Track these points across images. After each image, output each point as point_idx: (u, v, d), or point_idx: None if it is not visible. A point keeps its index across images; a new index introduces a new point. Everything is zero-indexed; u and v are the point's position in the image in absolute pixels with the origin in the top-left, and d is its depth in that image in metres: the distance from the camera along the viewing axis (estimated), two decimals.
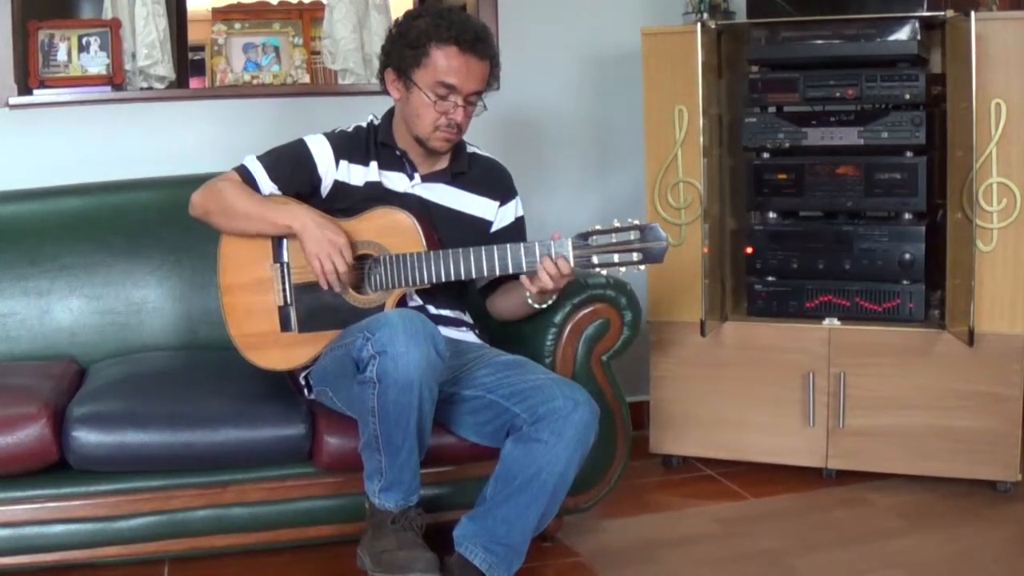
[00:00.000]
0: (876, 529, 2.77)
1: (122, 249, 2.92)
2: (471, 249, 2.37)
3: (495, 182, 2.63)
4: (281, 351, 2.47)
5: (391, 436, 2.22)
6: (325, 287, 2.40)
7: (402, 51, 2.45)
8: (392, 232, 2.43)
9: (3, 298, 2.84)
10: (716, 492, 3.08)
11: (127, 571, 2.50)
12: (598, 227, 2.32)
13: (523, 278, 2.37)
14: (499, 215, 2.63)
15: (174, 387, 2.55)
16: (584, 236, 2.32)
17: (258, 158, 2.50)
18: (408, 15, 2.51)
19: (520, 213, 2.67)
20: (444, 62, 2.41)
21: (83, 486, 2.40)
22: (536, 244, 2.34)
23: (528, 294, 2.42)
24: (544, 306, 2.47)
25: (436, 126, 2.45)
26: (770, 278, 3.13)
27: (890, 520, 2.84)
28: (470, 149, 2.63)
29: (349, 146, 2.53)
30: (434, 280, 2.38)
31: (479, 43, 2.42)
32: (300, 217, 2.39)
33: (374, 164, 2.53)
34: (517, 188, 2.68)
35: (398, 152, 2.54)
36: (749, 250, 3.14)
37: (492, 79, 2.49)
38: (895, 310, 3.02)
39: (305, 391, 2.55)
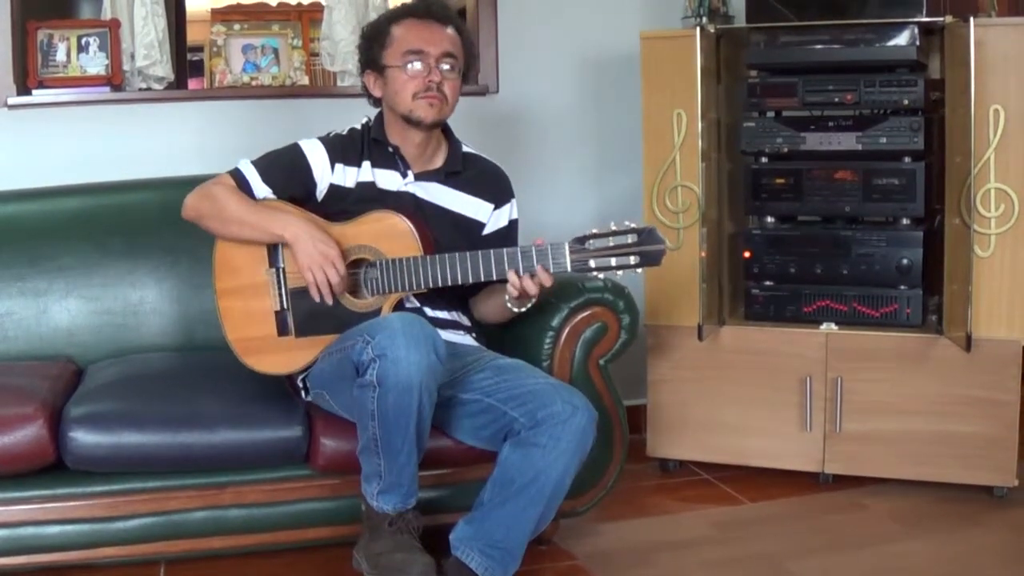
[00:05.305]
0: (873, 534, 2.78)
1: (120, 250, 2.91)
2: (467, 254, 2.36)
3: (491, 184, 2.62)
4: (279, 355, 2.47)
5: (390, 440, 2.22)
6: (317, 299, 2.39)
7: (369, 45, 2.53)
8: (388, 236, 2.42)
9: (1, 298, 2.83)
10: (713, 496, 3.08)
11: (123, 572, 2.50)
12: (595, 231, 2.30)
13: (511, 279, 2.34)
14: (493, 218, 2.61)
15: (171, 388, 2.55)
16: (581, 240, 2.30)
17: (252, 162, 2.49)
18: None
19: (515, 216, 2.65)
20: (404, 33, 2.48)
21: (80, 487, 2.40)
22: (533, 249, 2.33)
23: (507, 297, 2.42)
24: (522, 310, 2.46)
25: (415, 93, 2.45)
26: (768, 282, 3.13)
27: (887, 525, 2.84)
28: (466, 149, 2.62)
29: (344, 148, 2.52)
30: (430, 285, 2.38)
31: (434, 9, 2.50)
32: (292, 227, 2.39)
33: (367, 164, 2.52)
34: (515, 191, 2.66)
35: (390, 148, 2.53)
36: (747, 254, 3.14)
37: (466, 49, 2.52)
38: (892, 315, 3.03)
39: (302, 393, 2.55)
